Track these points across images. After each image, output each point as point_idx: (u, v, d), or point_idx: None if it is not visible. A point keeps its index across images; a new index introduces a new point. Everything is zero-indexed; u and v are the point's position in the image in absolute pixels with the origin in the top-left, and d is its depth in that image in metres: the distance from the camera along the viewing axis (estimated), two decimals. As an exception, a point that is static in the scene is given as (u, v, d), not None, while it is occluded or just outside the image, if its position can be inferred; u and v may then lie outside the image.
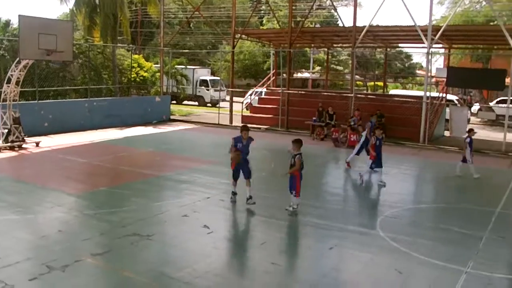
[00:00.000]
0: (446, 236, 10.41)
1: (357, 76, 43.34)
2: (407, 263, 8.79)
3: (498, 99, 39.68)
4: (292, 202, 11.39)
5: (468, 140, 16.57)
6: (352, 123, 23.07)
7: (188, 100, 44.33)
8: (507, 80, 24.00)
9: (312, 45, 39.25)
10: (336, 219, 11.30)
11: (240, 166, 11.80)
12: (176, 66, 40.67)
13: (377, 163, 14.82)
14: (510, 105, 23.69)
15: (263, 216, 11.20)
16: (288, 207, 11.42)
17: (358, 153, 17.26)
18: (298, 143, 11.26)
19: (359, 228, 10.58)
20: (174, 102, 38.64)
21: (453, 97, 36.08)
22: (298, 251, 9.49)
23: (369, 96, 31.72)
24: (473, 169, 16.42)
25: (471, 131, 17.15)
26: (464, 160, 16.55)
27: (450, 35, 28.22)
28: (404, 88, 52.52)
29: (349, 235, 10.25)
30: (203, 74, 47.66)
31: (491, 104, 40.23)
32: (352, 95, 26.25)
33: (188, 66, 46.20)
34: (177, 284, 7.59)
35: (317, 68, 54.39)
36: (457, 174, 16.63)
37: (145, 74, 34.30)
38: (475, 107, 40.50)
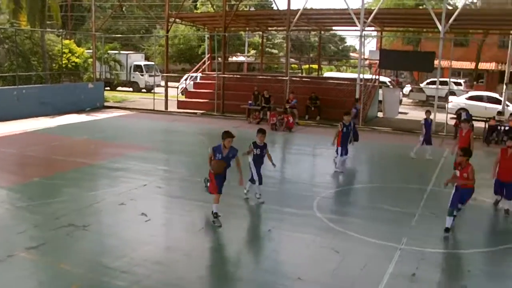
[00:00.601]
0: (380, 215, 10.66)
1: (292, 59, 43.63)
2: (344, 243, 8.95)
3: (428, 80, 40.92)
4: (257, 191, 11.36)
5: (423, 122, 17.10)
6: (288, 106, 23.34)
7: (122, 86, 43.40)
8: (436, 62, 24.68)
9: (247, 28, 39.12)
10: (273, 201, 11.34)
11: (221, 176, 9.82)
12: (109, 52, 39.71)
13: (345, 149, 14.73)
14: (439, 86, 24.45)
15: (201, 201, 11.14)
16: (258, 196, 11.32)
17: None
18: (264, 133, 11.33)
19: (296, 210, 10.69)
20: (108, 88, 37.76)
21: (386, 79, 36.91)
22: (237, 235, 9.48)
23: (304, 79, 32.06)
24: (415, 149, 16.86)
25: (427, 112, 17.65)
26: (428, 142, 17.03)
27: (382, 18, 28.76)
28: (338, 70, 53.39)
29: (287, 217, 10.34)
30: (137, 59, 46.70)
31: (422, 85, 41.42)
32: (287, 78, 26.41)
33: (122, 51, 45.14)
34: (114, 274, 7.45)
35: (252, 51, 54.39)
36: (427, 157, 16.94)
37: (77, 60, 33.22)
38: (407, 88, 41.56)
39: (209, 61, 34.73)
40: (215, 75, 28.57)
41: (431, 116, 18.12)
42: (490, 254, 8.81)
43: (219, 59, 30.11)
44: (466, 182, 9.47)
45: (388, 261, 8.16)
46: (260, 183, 11.26)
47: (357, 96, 24.22)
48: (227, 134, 9.85)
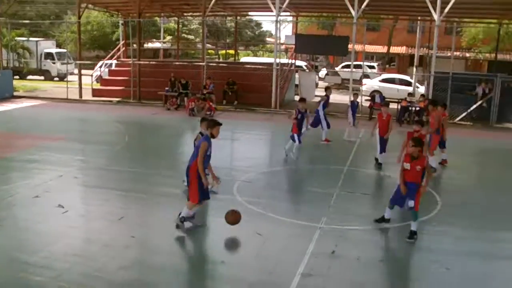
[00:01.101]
0: (300, 196, 10.86)
1: (208, 45, 43.42)
2: (265, 225, 9.03)
3: (343, 64, 41.86)
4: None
5: (349, 103, 17.94)
6: (205, 91, 23.28)
7: (33, 75, 41.58)
8: (350, 46, 25.28)
9: (162, 14, 38.49)
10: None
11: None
12: (16, 38, 37.93)
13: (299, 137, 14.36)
14: (354, 70, 25.08)
15: (120, 190, 10.91)
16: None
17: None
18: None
19: (216, 195, 10.66)
20: (17, 77, 36.17)
21: (302, 63, 37.44)
22: (157, 223, 9.34)
23: (221, 65, 31.96)
24: (347, 132, 17.63)
25: (354, 95, 18.69)
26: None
27: (297, 3, 29.04)
28: (255, 55, 53.56)
29: (209, 202, 10.28)
30: (48, 46, 44.88)
31: (337, 69, 42.34)
32: (204, 64, 26.25)
33: (31, 38, 43.29)
34: (32, 269, 7.15)
35: (168, 37, 53.62)
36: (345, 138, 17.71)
37: (-19, 47, 31.61)
38: (323, 72, 42.33)
39: (124, 48, 33.93)
40: (130, 62, 27.96)
41: (358, 99, 18.64)
42: (404, 229, 9.15)
43: (134, 45, 29.47)
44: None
45: (309, 240, 8.31)
46: None
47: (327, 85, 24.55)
48: (215, 122, 8.84)
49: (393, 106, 23.29)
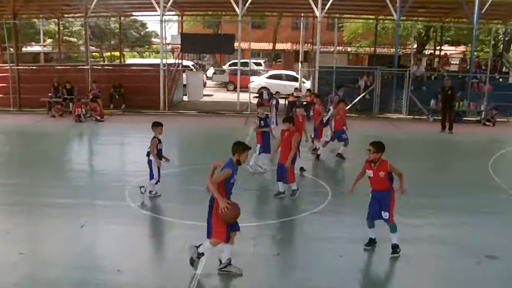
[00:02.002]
0: (194, 196, 10.73)
1: (92, 47, 42.12)
2: (160, 228, 8.91)
3: (230, 62, 42.15)
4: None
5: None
6: (91, 96, 22.57)
7: None
8: (236, 44, 25.48)
9: (41, 15, 36.82)
10: (83, 196, 10.86)
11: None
12: None
13: (264, 147, 13.13)
14: (241, 67, 25.31)
15: (4, 205, 10.30)
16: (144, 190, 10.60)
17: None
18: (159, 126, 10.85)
19: (108, 202, 10.35)
20: None
21: (189, 63, 37.28)
22: (47, 236, 8.89)
23: (106, 67, 31.12)
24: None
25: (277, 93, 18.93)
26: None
27: (182, 2, 28.91)
28: (142, 56, 52.72)
29: (99, 210, 9.98)
30: None
31: (224, 67, 42.55)
32: (88, 67, 25.43)
33: None
34: None
35: (49, 40, 51.40)
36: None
37: None
38: (210, 71, 42.41)
39: (-1, 52, 32.13)
40: (7, 67, 26.47)
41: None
42: (296, 222, 9.37)
43: (11, 49, 27.96)
44: (403, 187, 8.09)
45: (205, 240, 8.24)
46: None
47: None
48: (244, 146, 7.93)
49: (280, 101, 23.80)
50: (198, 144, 17.32)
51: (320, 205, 10.33)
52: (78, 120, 21.36)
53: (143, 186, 10.66)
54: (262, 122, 12.90)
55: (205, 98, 30.25)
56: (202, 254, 7.23)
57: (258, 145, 12.92)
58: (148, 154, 10.84)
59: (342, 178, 12.97)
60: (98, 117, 21.59)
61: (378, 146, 8.00)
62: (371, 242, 8.35)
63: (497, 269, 7.68)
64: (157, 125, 10.87)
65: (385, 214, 7.97)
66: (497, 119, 24.15)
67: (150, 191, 10.72)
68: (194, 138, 18.26)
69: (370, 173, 8.06)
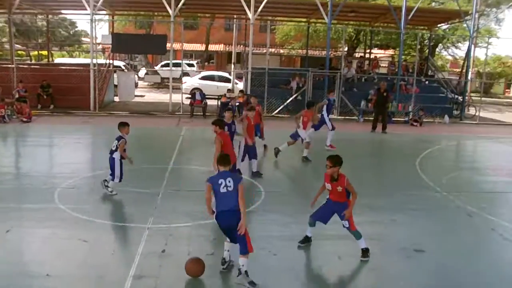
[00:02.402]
0: (126, 198, 10.57)
1: (17, 46, 40.72)
2: (91, 231, 8.63)
3: (163, 62, 41.74)
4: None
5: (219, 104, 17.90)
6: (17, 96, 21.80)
7: None
8: (168, 44, 25.26)
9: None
10: (9, 200, 10.39)
11: None
12: None
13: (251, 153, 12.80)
14: (173, 68, 25.11)
15: None
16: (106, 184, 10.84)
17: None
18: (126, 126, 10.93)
19: (36, 205, 9.97)
20: None
21: (121, 63, 36.68)
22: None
23: (33, 67, 30.15)
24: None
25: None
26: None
27: (113, 1, 28.40)
28: (71, 56, 51.43)
29: (26, 214, 9.61)
30: None
31: (156, 68, 42.10)
32: (13, 66, 24.53)
33: None
34: None
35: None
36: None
37: None
38: (142, 71, 41.88)
39: None
40: None
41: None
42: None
43: None
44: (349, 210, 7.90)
45: (138, 242, 8.12)
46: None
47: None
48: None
49: (213, 102, 23.79)
50: (129, 145, 16.98)
51: (253, 204, 10.36)
52: (1, 121, 20.49)
53: (106, 180, 10.76)
54: (226, 128, 11.44)
55: (137, 99, 29.80)
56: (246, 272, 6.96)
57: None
58: (111, 153, 10.81)
59: (275, 178, 13.04)
60: (25, 118, 20.83)
61: (335, 161, 7.87)
62: (306, 240, 8.41)
63: (425, 262, 7.99)
64: (124, 125, 10.98)
65: (345, 223, 7.97)
66: (424, 120, 25.10)
67: (108, 187, 10.78)
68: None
69: (328, 186, 8.01)
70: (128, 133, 11.09)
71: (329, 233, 8.89)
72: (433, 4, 40.64)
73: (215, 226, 9.10)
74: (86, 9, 24.25)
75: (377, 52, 46.80)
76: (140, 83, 38.73)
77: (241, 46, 36.26)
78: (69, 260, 7.60)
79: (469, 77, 32.76)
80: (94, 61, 24.47)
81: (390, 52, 47.72)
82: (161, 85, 39.22)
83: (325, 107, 17.36)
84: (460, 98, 29.92)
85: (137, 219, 9.18)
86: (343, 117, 25.10)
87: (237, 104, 22.43)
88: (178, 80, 28.66)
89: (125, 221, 9.03)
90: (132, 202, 10.37)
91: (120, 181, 10.83)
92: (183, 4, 24.18)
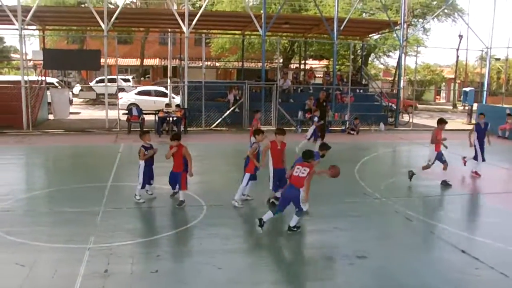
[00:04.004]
0: (64, 219, 10.29)
1: None
2: (28, 254, 8.35)
3: (97, 78, 41.08)
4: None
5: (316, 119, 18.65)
6: None
7: None
8: (102, 60, 24.88)
9: None
10: None
11: None
12: None
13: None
14: (108, 84, 24.73)
15: None
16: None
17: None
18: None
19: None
20: None
21: (54, 80, 35.83)
22: None
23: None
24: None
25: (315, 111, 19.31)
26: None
27: (43, 16, 27.77)
28: (0, 73, 49.82)
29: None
30: None
31: (91, 84, 41.36)
32: None
33: None
34: None
35: None
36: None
37: None
38: (77, 88, 41.04)
39: None
40: None
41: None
42: (173, 237, 9.28)
43: None
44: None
45: (79, 263, 7.92)
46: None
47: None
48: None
49: (150, 118, 23.56)
50: (65, 164, 16.62)
51: (195, 219, 10.31)
52: None
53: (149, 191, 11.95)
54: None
55: (72, 116, 29.13)
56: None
57: (247, 174, 11.52)
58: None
59: (216, 192, 12.99)
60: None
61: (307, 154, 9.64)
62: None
63: (367, 268, 8.15)
64: (144, 134, 12.00)
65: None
66: (360, 128, 25.68)
67: (136, 196, 11.52)
68: (61, 158, 17.48)
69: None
70: (150, 140, 11.82)
71: (273, 244, 8.97)
72: (364, 14, 41.76)
73: (158, 243, 9.04)
74: (14, 24, 23.56)
75: (312, 63, 47.69)
76: (75, 100, 37.92)
77: (177, 60, 36.12)
78: (5, 286, 7.33)
79: (401, 85, 33.81)
80: (26, 78, 23.76)
81: (325, 62, 48.68)
82: (97, 101, 38.53)
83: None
84: (394, 105, 30.82)
85: (77, 239, 8.95)
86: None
87: (175, 118, 22.34)
88: (114, 95, 28.23)
89: (64, 243, 8.77)
90: (72, 222, 10.11)
91: (142, 187, 11.63)
92: (116, 18, 23.92)
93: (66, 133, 22.98)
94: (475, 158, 15.65)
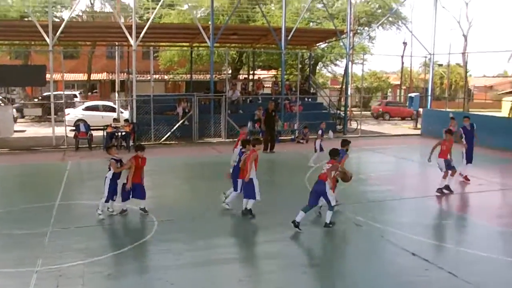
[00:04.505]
0: (9, 242, 10.01)
1: None
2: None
3: (44, 94, 40.18)
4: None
5: (320, 131, 19.29)
6: None
7: None
8: (48, 75, 24.38)
9: None
10: None
11: None
12: None
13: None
14: (55, 101, 24.27)
15: None
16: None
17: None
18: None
19: None
20: None
21: (-3, 97, 34.94)
22: None
23: None
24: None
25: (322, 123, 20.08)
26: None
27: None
28: None
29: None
30: None
31: (37, 100, 40.45)
32: None
33: None
34: None
35: None
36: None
37: None
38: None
39: None
40: None
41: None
42: (124, 255, 9.17)
43: None
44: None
45: (26, 287, 7.72)
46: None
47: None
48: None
49: (99, 133, 23.20)
50: (12, 184, 16.19)
51: (147, 235, 10.21)
52: None
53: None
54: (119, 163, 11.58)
55: (17, 134, 28.40)
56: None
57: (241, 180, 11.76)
58: None
59: (167, 207, 12.87)
60: None
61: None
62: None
63: (321, 276, 8.29)
64: (110, 147, 12.16)
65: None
66: (309, 137, 25.92)
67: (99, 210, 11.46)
68: (7, 178, 17.01)
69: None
70: (116, 153, 11.76)
71: (227, 257, 8.98)
72: (311, 24, 42.28)
73: (109, 262, 8.89)
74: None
75: (260, 73, 47.93)
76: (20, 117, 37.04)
77: (125, 73, 35.75)
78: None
79: (349, 93, 34.38)
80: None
81: (273, 72, 49.04)
82: (43, 118, 37.67)
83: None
84: (342, 113, 31.27)
85: (24, 262, 8.71)
86: (231, 140, 25.32)
87: (123, 133, 22.08)
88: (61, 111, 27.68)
89: (10, 267, 8.53)
90: (18, 245, 9.84)
91: (107, 201, 11.45)
92: (62, 32, 23.51)
93: (11, 152, 22.38)
94: (469, 160, 15.98)
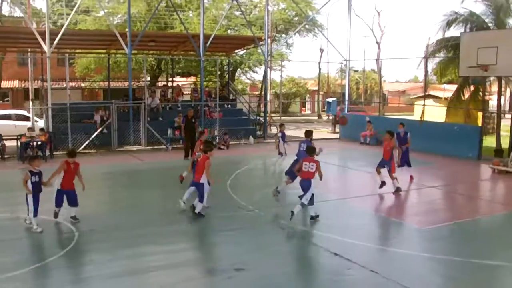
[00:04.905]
0: None
1: None
2: None
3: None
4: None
5: (280, 134, 19.94)
6: None
7: None
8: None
9: None
10: None
11: None
12: None
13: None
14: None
15: None
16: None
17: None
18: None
19: None
20: None
21: None
22: None
23: None
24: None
25: (281, 125, 20.94)
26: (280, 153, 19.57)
27: None
28: None
29: None
30: None
31: None
32: None
33: None
34: None
35: None
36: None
37: None
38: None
39: None
40: None
41: None
42: (43, 269, 8.91)
43: None
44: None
45: None
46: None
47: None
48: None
49: (12, 143, 22.33)
50: None
51: (66, 247, 9.93)
52: None
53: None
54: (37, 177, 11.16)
55: None
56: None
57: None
58: None
59: (87, 217, 12.55)
60: None
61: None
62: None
63: (246, 279, 8.37)
64: (34, 159, 11.60)
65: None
66: (230, 143, 26.10)
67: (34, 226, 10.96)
68: None
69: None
70: (40, 166, 11.16)
71: (153, 265, 8.92)
72: (229, 31, 42.55)
73: (26, 278, 8.57)
74: None
75: (179, 80, 47.75)
76: None
77: (39, 81, 34.58)
78: None
79: (268, 99, 34.84)
80: None
81: (192, 79, 48.94)
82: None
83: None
84: (262, 119, 31.64)
85: None
86: (151, 147, 25.09)
87: (39, 143, 21.35)
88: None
89: None
90: None
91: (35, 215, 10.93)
92: (-31, 39, 22.54)
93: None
94: (408, 164, 16.96)
